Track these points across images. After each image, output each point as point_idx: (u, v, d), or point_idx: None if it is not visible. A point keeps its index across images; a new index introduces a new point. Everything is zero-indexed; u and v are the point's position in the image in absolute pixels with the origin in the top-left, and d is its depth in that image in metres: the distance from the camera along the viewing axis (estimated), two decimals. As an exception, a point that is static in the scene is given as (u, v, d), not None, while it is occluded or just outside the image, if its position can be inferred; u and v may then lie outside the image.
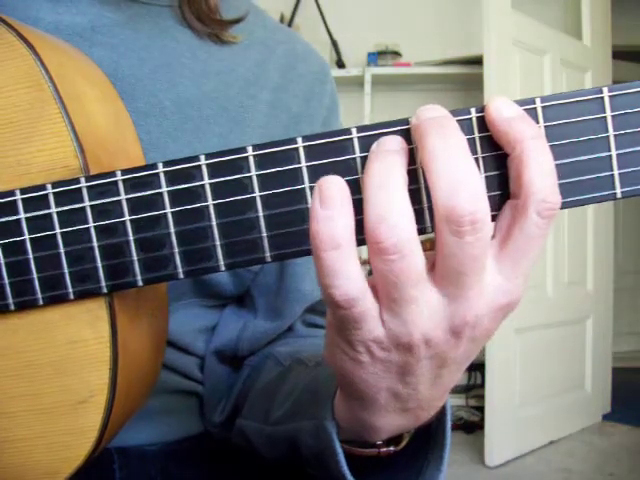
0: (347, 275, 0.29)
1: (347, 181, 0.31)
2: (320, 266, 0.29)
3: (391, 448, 0.40)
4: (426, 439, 0.40)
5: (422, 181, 0.31)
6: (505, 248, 0.30)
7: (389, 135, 0.31)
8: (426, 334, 0.30)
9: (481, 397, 2.54)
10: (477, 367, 2.71)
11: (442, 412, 0.39)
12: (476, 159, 0.31)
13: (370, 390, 0.34)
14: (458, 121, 0.30)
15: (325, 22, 2.74)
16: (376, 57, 2.79)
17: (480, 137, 0.31)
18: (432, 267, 0.30)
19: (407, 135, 0.31)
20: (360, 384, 0.34)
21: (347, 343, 0.32)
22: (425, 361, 0.32)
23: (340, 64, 2.76)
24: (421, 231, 0.31)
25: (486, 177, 0.31)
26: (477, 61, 2.45)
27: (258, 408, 0.53)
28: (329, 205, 0.28)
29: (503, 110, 0.30)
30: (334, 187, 0.29)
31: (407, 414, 0.35)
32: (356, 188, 0.31)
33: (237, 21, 0.56)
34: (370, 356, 0.32)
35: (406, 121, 0.31)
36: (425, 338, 0.30)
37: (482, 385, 2.56)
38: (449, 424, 0.39)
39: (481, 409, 2.56)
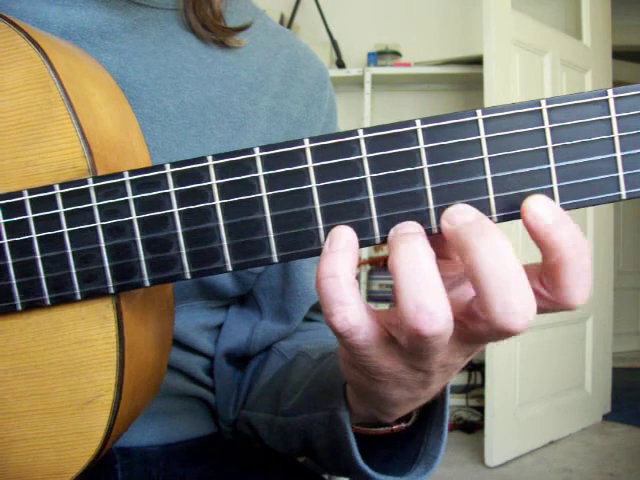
0: (342, 302, 0.30)
1: (353, 182, 0.32)
2: (320, 296, 0.30)
3: (403, 425, 0.43)
4: (426, 414, 0.43)
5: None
6: None
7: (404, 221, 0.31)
8: (443, 361, 0.32)
9: (481, 397, 2.54)
10: (477, 367, 2.71)
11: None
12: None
13: (382, 393, 0.35)
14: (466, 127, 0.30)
15: (325, 22, 2.74)
16: (376, 57, 2.80)
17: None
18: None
19: (413, 137, 0.31)
20: (372, 389, 0.35)
21: (359, 363, 0.33)
22: (437, 375, 0.34)
23: (340, 64, 2.76)
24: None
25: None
26: (477, 61, 2.45)
27: (265, 400, 0.54)
28: (334, 247, 0.30)
29: (542, 218, 0.29)
30: (343, 234, 0.31)
31: (416, 402, 0.37)
32: (362, 189, 0.32)
33: (242, 29, 0.56)
34: (383, 376, 0.33)
35: (412, 122, 0.31)
36: (442, 364, 0.32)
37: (482, 385, 2.56)
38: (448, 398, 0.42)
39: (481, 409, 2.56)
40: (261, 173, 0.32)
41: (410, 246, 0.28)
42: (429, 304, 0.27)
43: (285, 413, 0.50)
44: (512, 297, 0.27)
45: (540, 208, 0.29)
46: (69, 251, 0.34)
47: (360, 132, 0.31)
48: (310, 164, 0.32)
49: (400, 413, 0.38)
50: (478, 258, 0.27)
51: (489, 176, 0.31)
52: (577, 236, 0.28)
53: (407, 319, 0.28)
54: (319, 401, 0.44)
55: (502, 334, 0.28)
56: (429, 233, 0.31)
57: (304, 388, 0.49)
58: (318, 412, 0.44)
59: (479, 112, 0.31)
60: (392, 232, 0.31)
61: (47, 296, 0.35)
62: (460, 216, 0.29)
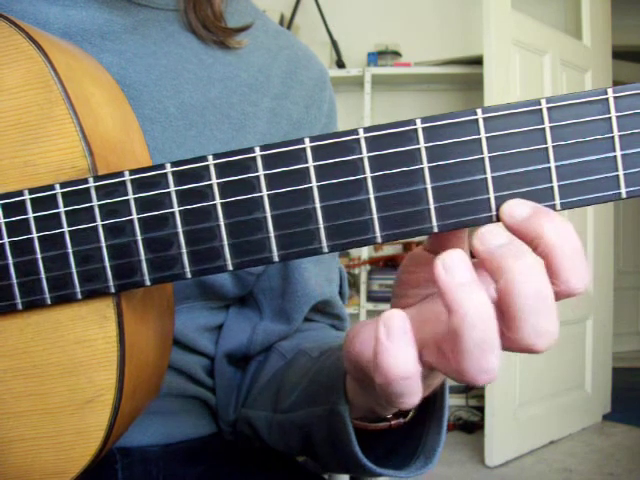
0: (415, 392, 0.30)
1: (353, 181, 0.32)
2: (391, 390, 0.30)
3: (401, 420, 0.43)
4: (426, 408, 0.43)
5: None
6: None
7: (452, 255, 0.28)
8: None
9: (481, 397, 2.54)
10: (477, 367, 2.71)
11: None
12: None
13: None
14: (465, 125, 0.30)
15: (325, 22, 2.74)
16: (376, 57, 2.79)
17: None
18: None
19: (414, 136, 0.31)
20: (374, 384, 0.35)
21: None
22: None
23: (340, 64, 2.76)
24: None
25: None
26: (477, 61, 2.45)
27: (265, 398, 0.54)
28: (395, 337, 0.29)
29: (514, 213, 0.30)
30: (396, 318, 0.29)
31: None
32: (362, 188, 0.32)
33: (242, 29, 0.56)
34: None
35: (413, 122, 0.31)
36: None
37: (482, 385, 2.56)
38: (447, 392, 0.42)
39: (481, 409, 2.56)
40: (261, 172, 0.32)
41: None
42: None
43: (284, 410, 0.50)
44: (542, 319, 0.27)
45: (510, 207, 0.30)
46: (69, 250, 0.34)
47: (360, 131, 0.31)
48: (310, 163, 0.32)
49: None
50: (514, 280, 0.27)
51: (489, 175, 0.31)
52: (556, 220, 0.28)
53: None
54: (318, 396, 0.45)
55: (524, 351, 0.28)
56: (428, 232, 0.31)
57: (303, 385, 0.49)
58: (317, 407, 0.44)
59: (479, 111, 0.31)
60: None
61: (47, 295, 0.35)
62: (492, 237, 0.29)
